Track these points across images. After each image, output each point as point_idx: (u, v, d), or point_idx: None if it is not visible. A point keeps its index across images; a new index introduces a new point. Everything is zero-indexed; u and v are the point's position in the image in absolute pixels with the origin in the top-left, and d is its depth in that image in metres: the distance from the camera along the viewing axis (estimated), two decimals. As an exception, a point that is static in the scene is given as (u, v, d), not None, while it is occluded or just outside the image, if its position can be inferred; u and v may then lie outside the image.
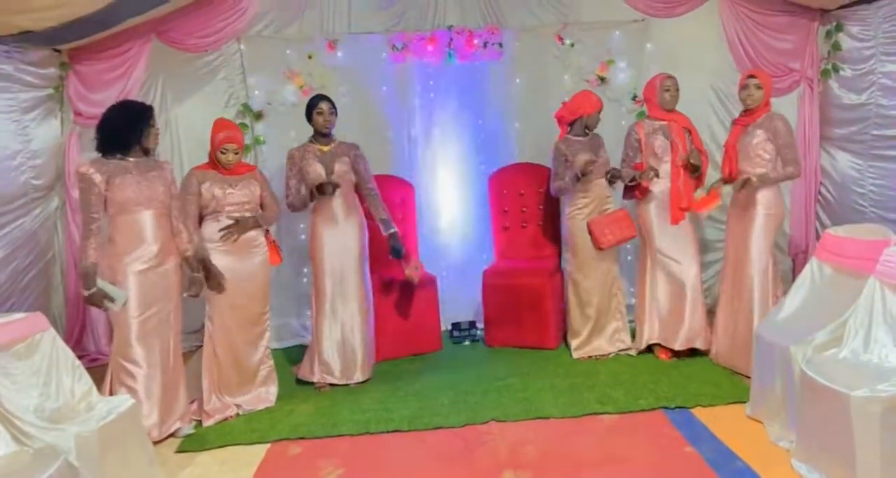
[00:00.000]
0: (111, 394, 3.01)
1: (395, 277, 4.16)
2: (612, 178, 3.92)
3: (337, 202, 3.72)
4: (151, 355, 3.14)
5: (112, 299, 3.03)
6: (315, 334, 3.81)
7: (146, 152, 3.24)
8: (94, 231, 3.03)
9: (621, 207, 4.06)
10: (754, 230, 3.60)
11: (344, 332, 3.76)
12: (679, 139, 3.81)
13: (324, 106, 3.69)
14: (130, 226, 3.11)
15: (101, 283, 3.03)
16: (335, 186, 3.61)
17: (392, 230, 3.82)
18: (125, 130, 3.12)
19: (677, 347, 3.85)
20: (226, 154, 3.40)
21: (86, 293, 3.02)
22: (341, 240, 3.74)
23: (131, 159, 3.15)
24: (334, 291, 3.75)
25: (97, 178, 3.04)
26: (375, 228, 3.90)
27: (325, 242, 3.74)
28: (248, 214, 3.47)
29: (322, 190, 3.59)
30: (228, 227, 3.42)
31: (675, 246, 3.85)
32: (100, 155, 3.13)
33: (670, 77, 3.83)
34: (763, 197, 3.58)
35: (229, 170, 3.45)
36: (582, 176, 3.86)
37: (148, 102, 3.34)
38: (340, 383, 3.75)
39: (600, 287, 4.02)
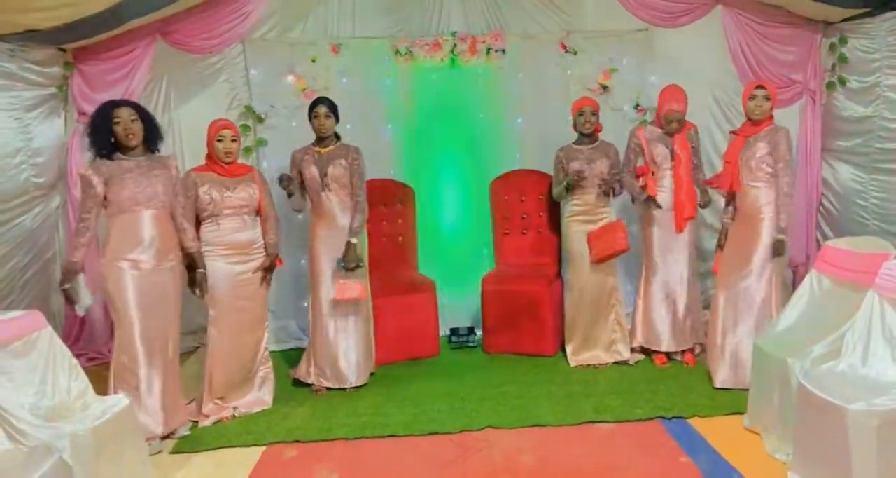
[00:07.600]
0: (115, 393, 2.99)
1: (395, 280, 4.13)
2: (606, 187, 3.89)
3: (334, 204, 3.70)
4: (152, 355, 3.14)
5: (77, 302, 3.10)
6: (312, 337, 3.79)
7: (151, 150, 3.24)
8: (81, 230, 3.10)
9: (618, 216, 4.04)
10: (761, 241, 3.49)
11: (340, 335, 3.73)
12: (682, 149, 3.79)
13: (320, 109, 3.65)
14: (130, 225, 3.12)
15: (79, 283, 3.09)
16: (290, 179, 3.63)
17: (351, 240, 3.64)
18: (97, 134, 3.13)
19: (665, 348, 3.91)
20: (223, 141, 3.35)
21: (62, 287, 3.09)
22: (339, 243, 3.68)
23: (133, 159, 3.15)
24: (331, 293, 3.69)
25: (95, 180, 3.08)
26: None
27: (323, 244, 3.72)
28: (246, 217, 3.43)
29: (280, 183, 3.61)
30: (264, 276, 3.48)
31: (671, 255, 3.89)
32: (98, 158, 3.15)
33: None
34: (769, 208, 3.49)
35: (228, 169, 3.38)
36: (572, 186, 3.90)
37: (116, 100, 3.28)
38: (335, 386, 3.73)
39: (596, 296, 4.00)
